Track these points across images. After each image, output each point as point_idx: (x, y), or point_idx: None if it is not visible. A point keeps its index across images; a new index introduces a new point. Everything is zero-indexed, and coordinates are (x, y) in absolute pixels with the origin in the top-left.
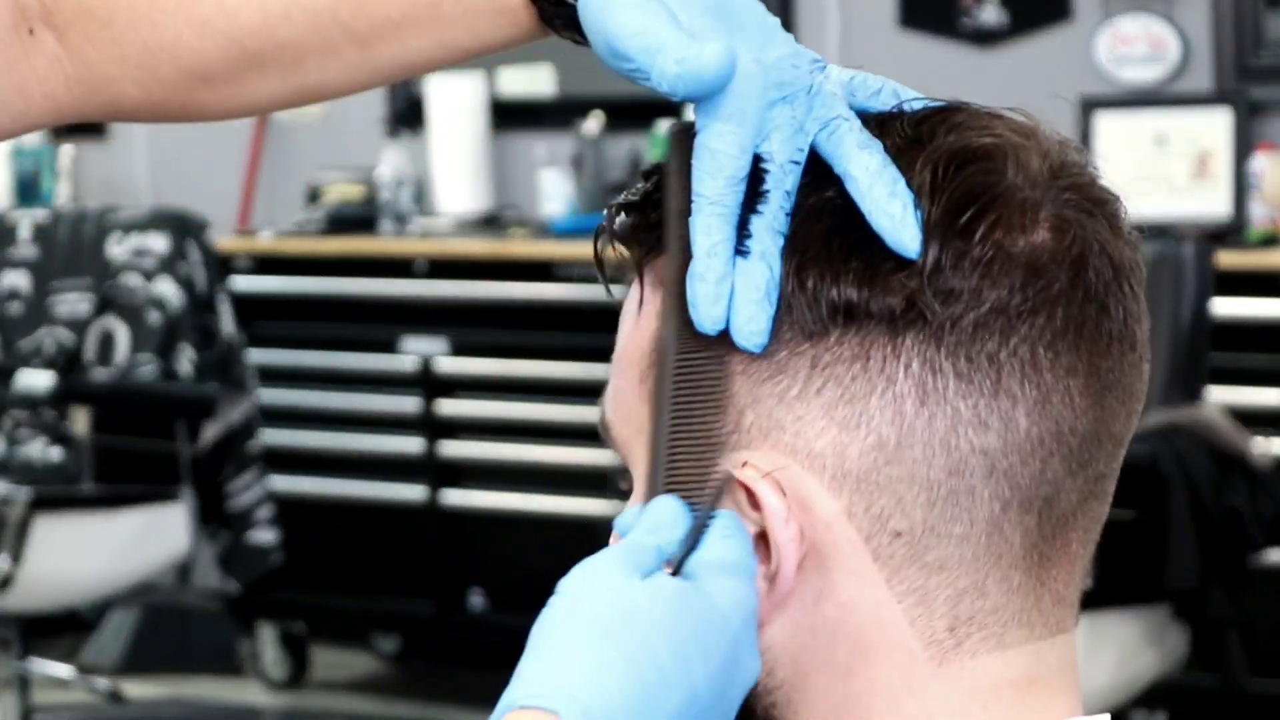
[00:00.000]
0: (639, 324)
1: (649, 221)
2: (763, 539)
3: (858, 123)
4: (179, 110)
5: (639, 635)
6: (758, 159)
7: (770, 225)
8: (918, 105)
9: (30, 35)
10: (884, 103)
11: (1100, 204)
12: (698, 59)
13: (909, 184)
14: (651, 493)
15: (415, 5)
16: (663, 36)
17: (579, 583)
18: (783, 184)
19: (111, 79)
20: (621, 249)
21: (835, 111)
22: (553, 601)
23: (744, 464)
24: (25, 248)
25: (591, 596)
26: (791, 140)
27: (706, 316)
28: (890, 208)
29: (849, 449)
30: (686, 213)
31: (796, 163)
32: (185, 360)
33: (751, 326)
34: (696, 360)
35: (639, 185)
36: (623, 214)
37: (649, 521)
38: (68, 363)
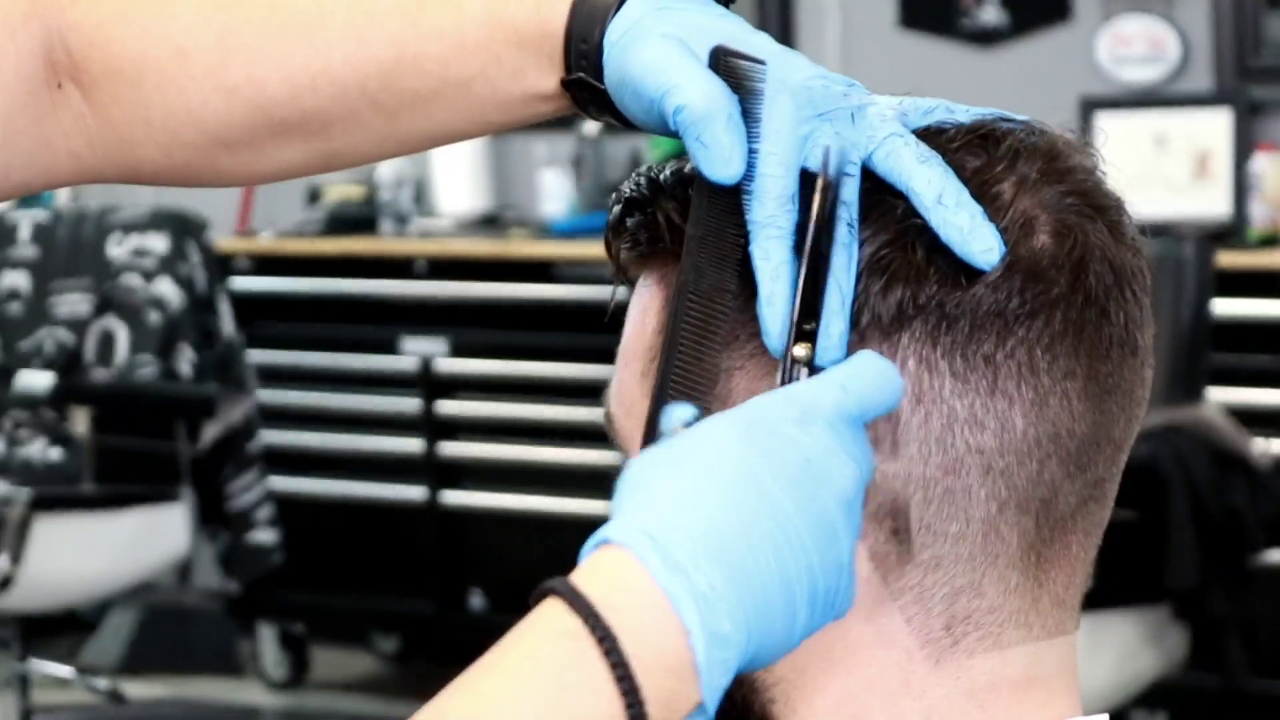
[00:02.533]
0: (642, 319)
1: (652, 218)
2: None
3: (913, 138)
4: (198, 174)
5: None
6: (808, 176)
7: (837, 238)
8: (964, 119)
9: (59, 90)
10: (938, 120)
11: (1103, 210)
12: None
13: None
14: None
15: (446, 83)
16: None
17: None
18: (839, 195)
19: (135, 141)
20: (623, 244)
21: (887, 130)
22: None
23: None
24: (25, 248)
25: (757, 419)
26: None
27: (780, 340)
28: (957, 219)
29: None
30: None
31: (849, 174)
32: (185, 360)
33: (834, 342)
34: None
35: (640, 180)
36: (626, 209)
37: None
38: (68, 363)
